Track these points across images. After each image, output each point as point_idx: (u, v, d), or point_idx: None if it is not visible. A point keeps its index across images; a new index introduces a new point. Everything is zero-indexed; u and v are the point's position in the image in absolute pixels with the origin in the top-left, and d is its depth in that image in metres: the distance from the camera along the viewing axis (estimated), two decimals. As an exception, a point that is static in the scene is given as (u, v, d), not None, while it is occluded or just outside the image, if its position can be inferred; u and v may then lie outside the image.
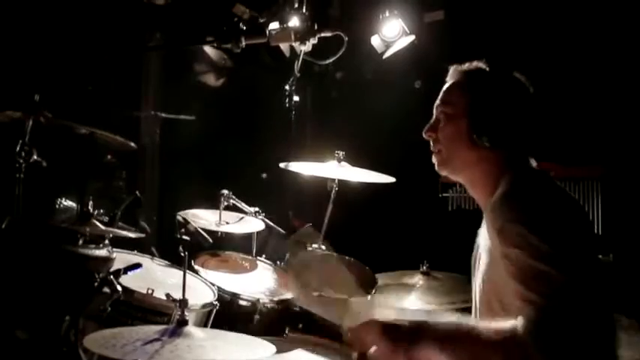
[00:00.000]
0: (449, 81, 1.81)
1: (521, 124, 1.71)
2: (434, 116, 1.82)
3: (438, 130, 1.79)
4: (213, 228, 2.95)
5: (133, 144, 2.94)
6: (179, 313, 1.73)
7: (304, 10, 2.37)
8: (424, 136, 1.82)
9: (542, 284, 1.43)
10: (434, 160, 1.82)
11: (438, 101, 1.81)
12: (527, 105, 1.72)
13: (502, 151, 1.71)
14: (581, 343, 1.40)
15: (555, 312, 1.40)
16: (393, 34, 3.78)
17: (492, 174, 1.72)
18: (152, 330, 1.65)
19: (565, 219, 1.56)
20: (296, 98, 3.02)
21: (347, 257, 3.21)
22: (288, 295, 2.88)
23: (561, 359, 1.39)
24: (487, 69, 1.76)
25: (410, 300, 2.90)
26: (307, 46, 2.23)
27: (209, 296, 2.56)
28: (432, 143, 1.82)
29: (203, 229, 2.79)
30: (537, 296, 1.42)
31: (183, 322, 1.68)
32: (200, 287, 2.64)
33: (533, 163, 1.76)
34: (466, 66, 1.79)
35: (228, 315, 2.60)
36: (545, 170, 1.77)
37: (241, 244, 3.18)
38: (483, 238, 1.74)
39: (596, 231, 4.07)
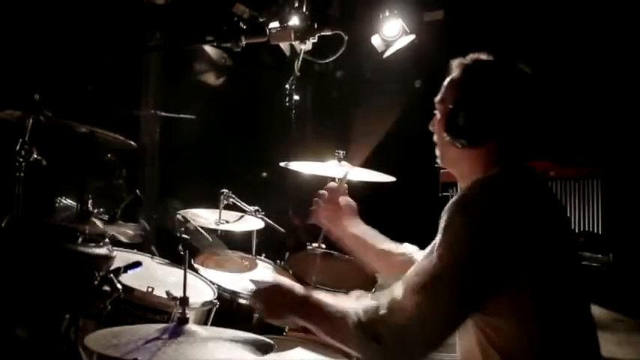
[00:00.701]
0: (451, 70, 1.79)
1: (509, 119, 1.67)
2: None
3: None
4: (213, 227, 2.95)
5: (133, 142, 2.94)
6: (180, 311, 1.73)
7: (304, 10, 2.36)
8: (429, 128, 1.84)
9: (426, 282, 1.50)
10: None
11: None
12: (520, 99, 1.68)
13: (488, 147, 1.68)
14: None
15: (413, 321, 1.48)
16: (393, 33, 3.78)
17: (478, 170, 1.69)
18: (153, 328, 1.65)
19: (518, 218, 1.54)
20: (296, 97, 3.03)
21: (347, 256, 3.21)
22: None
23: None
24: (483, 62, 1.74)
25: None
26: (307, 46, 2.23)
27: (209, 295, 2.56)
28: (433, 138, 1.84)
29: (203, 228, 2.80)
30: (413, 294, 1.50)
31: (183, 321, 1.68)
32: (200, 286, 2.64)
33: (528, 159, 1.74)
34: (466, 59, 1.76)
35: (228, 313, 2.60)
36: (535, 169, 1.75)
37: (241, 242, 3.18)
38: None
39: (595, 230, 4.07)
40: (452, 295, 1.49)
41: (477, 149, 1.69)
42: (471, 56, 1.76)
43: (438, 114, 1.79)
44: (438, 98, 1.80)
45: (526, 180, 1.68)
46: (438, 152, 1.82)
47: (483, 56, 1.75)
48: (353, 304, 1.61)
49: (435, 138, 1.82)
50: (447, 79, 1.79)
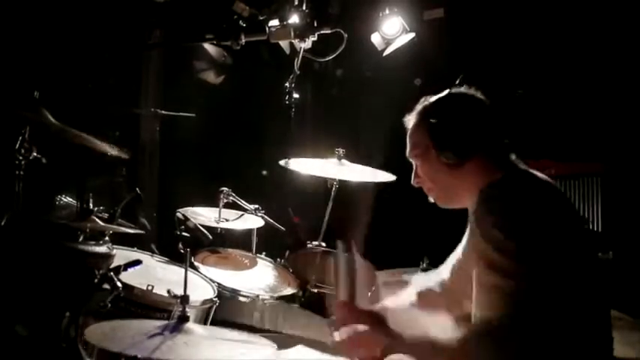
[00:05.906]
0: (408, 127, 1.89)
1: (482, 130, 1.74)
2: (413, 165, 1.88)
3: (420, 174, 1.85)
4: (213, 225, 2.96)
5: (126, 154, 2.88)
6: (180, 309, 1.73)
7: (304, 8, 2.36)
8: (413, 185, 1.89)
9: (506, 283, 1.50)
10: (434, 201, 1.88)
11: (407, 151, 1.88)
12: (483, 113, 1.76)
13: (477, 160, 1.74)
14: (544, 335, 1.47)
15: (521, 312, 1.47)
16: (392, 31, 3.78)
17: (477, 184, 1.74)
18: (153, 325, 1.65)
19: (542, 216, 1.59)
20: (296, 96, 3.03)
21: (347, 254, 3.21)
22: (288, 292, 2.88)
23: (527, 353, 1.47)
24: (435, 100, 1.83)
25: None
26: (307, 44, 2.24)
27: (209, 293, 2.56)
28: (424, 189, 1.87)
29: (203, 226, 2.80)
30: (505, 292, 1.49)
31: (184, 318, 1.69)
32: (200, 284, 2.64)
33: (520, 163, 1.78)
34: (419, 107, 1.87)
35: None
36: (531, 168, 1.78)
37: (241, 240, 3.18)
38: (465, 239, 1.82)
39: (596, 228, 4.07)
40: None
41: (470, 163, 1.74)
42: (421, 102, 1.87)
43: (417, 162, 1.86)
44: (409, 149, 1.88)
45: (537, 178, 1.71)
46: (436, 195, 1.85)
47: (430, 98, 1.85)
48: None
49: (426, 184, 1.85)
50: (409, 131, 1.88)
